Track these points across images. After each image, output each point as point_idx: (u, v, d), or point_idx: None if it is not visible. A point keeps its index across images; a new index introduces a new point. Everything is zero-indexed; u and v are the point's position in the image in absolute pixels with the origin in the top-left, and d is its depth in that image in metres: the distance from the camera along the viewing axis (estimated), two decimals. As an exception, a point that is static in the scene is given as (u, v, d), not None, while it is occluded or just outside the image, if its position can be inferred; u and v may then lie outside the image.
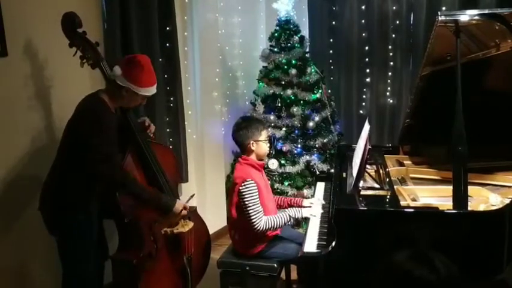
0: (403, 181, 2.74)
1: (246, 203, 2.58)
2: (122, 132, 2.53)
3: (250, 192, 2.58)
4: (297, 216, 2.68)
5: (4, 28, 2.48)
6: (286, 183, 3.87)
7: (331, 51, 4.34)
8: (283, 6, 3.88)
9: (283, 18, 3.91)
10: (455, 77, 2.18)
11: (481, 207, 2.29)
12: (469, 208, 2.18)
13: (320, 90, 3.96)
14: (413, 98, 2.81)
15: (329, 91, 4.15)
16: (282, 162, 3.89)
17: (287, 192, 3.80)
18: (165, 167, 2.70)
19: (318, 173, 3.78)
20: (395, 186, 2.51)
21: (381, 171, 2.73)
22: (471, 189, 2.27)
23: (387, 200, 2.37)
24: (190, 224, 2.71)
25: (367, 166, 2.76)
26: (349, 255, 2.19)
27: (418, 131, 2.96)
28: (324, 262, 2.21)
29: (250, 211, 2.57)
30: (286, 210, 2.73)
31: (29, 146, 2.66)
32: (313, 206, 2.79)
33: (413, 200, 2.41)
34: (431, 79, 2.63)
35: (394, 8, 4.01)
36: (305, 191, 3.84)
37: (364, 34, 4.16)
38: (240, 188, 2.59)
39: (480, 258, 2.15)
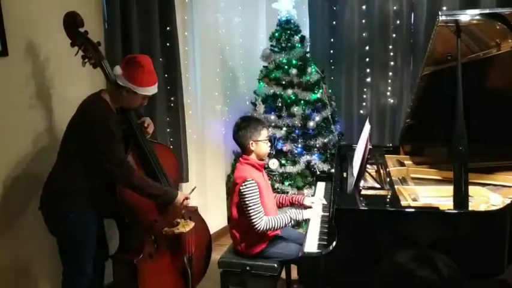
0: (403, 181, 2.74)
1: (247, 202, 2.58)
2: (122, 132, 2.53)
3: (250, 192, 2.58)
4: (297, 218, 2.67)
5: (5, 28, 2.47)
6: (286, 183, 3.87)
7: (331, 51, 4.33)
8: (284, 6, 3.88)
9: (283, 18, 3.91)
10: (456, 76, 2.18)
11: (482, 207, 2.28)
12: (470, 208, 2.17)
13: (320, 90, 3.96)
14: (414, 98, 2.81)
15: (329, 91, 4.14)
16: (283, 162, 3.90)
17: (287, 192, 3.79)
18: (166, 166, 2.70)
19: (318, 172, 3.78)
20: (396, 186, 2.51)
21: (382, 171, 2.73)
22: (472, 189, 2.27)
23: (388, 199, 2.36)
24: (191, 224, 2.71)
25: (368, 166, 2.76)
26: (350, 256, 2.19)
27: (419, 131, 2.96)
28: (325, 262, 2.21)
29: (250, 211, 2.57)
30: (287, 211, 2.72)
31: (30, 145, 2.67)
32: (314, 206, 2.79)
33: (414, 199, 2.41)
34: (432, 79, 2.63)
35: (395, 7, 4.00)
36: (305, 191, 3.84)
37: (364, 34, 4.16)
38: (241, 187, 2.59)
39: (481, 259, 2.15)
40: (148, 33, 3.15)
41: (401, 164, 2.97)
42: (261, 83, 4.01)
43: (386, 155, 3.07)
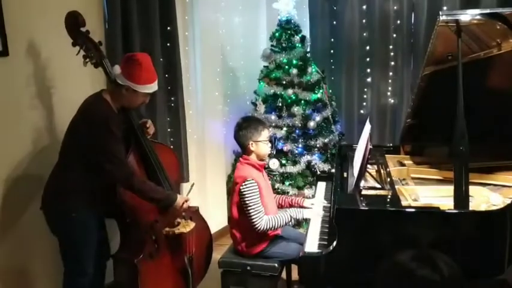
0: (404, 181, 2.74)
1: (247, 202, 2.58)
2: (124, 131, 2.53)
3: (251, 191, 2.58)
4: (298, 217, 2.68)
5: (5, 27, 2.48)
6: (287, 183, 3.87)
7: (332, 51, 4.33)
8: (284, 6, 3.88)
9: (284, 18, 3.91)
10: (457, 76, 2.18)
11: (482, 207, 2.29)
12: (470, 208, 2.17)
13: (321, 90, 3.96)
14: (414, 98, 2.81)
15: (330, 91, 4.15)
16: (283, 162, 3.90)
17: (288, 192, 3.80)
18: (167, 166, 2.70)
19: (318, 172, 3.78)
20: (396, 186, 2.51)
21: (382, 171, 2.73)
22: (472, 189, 2.27)
23: (388, 199, 2.36)
24: (192, 225, 2.71)
25: (368, 166, 2.76)
26: (350, 255, 2.19)
27: (419, 131, 2.96)
28: (325, 262, 2.21)
29: (251, 211, 2.58)
30: (287, 210, 2.73)
31: (31, 145, 2.67)
32: (314, 207, 2.79)
33: (415, 199, 2.41)
34: (433, 79, 2.63)
35: (395, 7, 4.00)
36: (306, 191, 3.84)
37: (365, 34, 4.16)
38: (241, 187, 2.60)
39: (481, 258, 2.15)
40: (148, 33, 3.15)
41: (402, 164, 2.97)
42: (262, 83, 4.01)
43: (386, 155, 3.07)
